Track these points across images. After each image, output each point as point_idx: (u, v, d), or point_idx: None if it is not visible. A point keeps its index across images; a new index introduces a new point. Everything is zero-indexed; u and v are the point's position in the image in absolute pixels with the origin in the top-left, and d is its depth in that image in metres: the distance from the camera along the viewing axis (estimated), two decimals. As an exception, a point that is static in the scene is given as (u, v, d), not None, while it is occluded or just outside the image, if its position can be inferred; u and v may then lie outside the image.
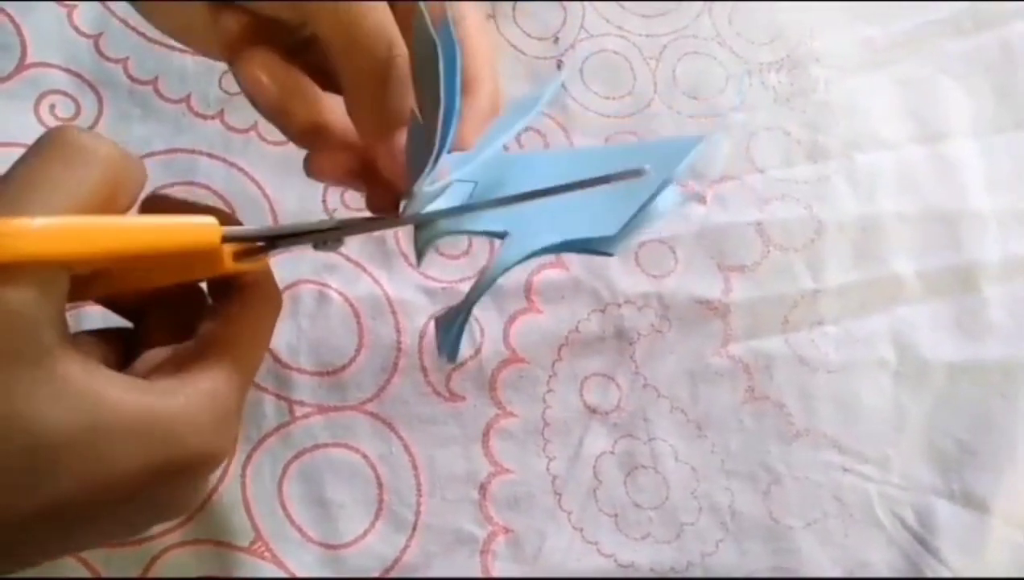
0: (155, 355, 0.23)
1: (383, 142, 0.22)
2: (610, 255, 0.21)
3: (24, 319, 0.18)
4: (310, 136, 0.24)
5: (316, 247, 0.22)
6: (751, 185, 0.36)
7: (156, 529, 0.29)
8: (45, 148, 0.19)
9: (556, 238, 0.21)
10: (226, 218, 0.22)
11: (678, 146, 0.22)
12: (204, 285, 0.25)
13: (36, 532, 0.19)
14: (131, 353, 0.23)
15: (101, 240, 0.19)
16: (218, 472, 0.28)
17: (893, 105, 0.38)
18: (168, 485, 0.20)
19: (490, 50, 0.25)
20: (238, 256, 0.22)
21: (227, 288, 0.24)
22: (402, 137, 0.22)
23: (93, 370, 0.19)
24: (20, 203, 0.18)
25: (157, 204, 0.23)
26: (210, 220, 0.21)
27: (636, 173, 0.19)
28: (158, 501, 0.21)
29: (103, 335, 0.23)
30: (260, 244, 0.22)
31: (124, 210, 0.20)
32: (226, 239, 0.21)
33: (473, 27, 0.25)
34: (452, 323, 0.23)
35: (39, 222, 0.18)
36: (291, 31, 0.24)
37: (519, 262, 0.22)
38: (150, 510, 0.21)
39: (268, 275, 0.24)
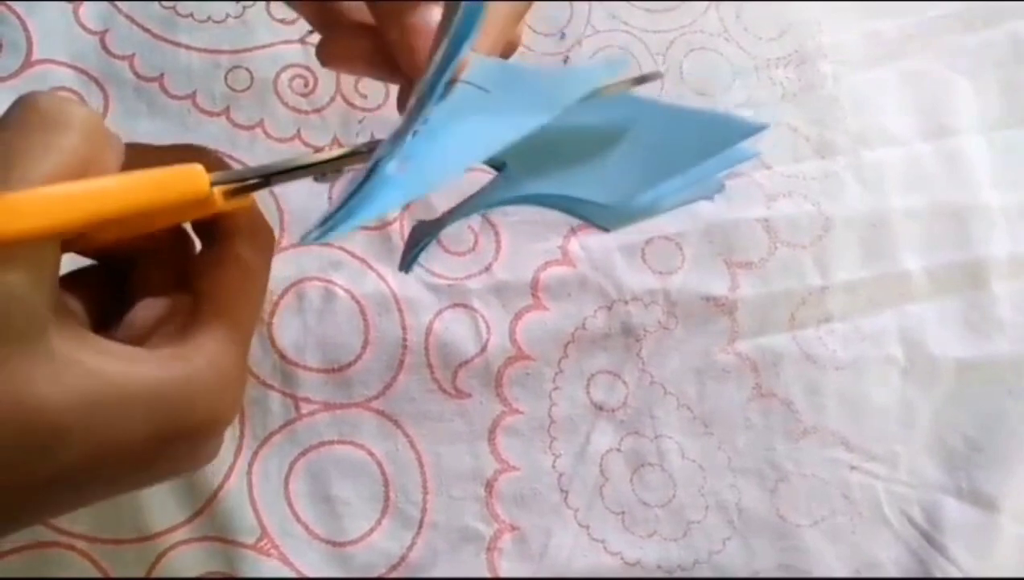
0: (149, 309, 0.22)
1: (395, 24, 0.21)
2: (606, 230, 0.20)
3: (18, 299, 0.17)
4: (323, 17, 0.23)
5: (316, 179, 0.22)
6: (758, 181, 0.36)
7: (162, 526, 0.29)
8: (19, 117, 0.19)
9: (555, 189, 0.20)
10: (214, 162, 0.21)
11: (736, 127, 0.20)
12: (191, 230, 0.24)
13: (46, 496, 0.19)
14: (121, 302, 0.22)
15: (89, 205, 0.18)
16: (228, 432, 0.27)
17: (901, 101, 0.38)
18: (177, 450, 0.20)
19: None
20: (230, 194, 0.21)
21: (216, 231, 0.23)
22: (414, 18, 0.21)
23: (91, 344, 0.19)
24: (1, 177, 0.17)
25: (140, 156, 0.22)
26: (197, 168, 0.20)
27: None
28: (167, 464, 0.21)
29: (86, 284, 0.23)
30: (254, 181, 0.21)
31: (105, 173, 0.20)
32: (215, 184, 0.20)
33: None
34: (419, 239, 0.22)
35: (25, 195, 0.17)
36: None
37: (508, 203, 0.20)
38: (160, 470, 0.21)
39: (256, 214, 0.24)
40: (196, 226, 0.24)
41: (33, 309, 0.18)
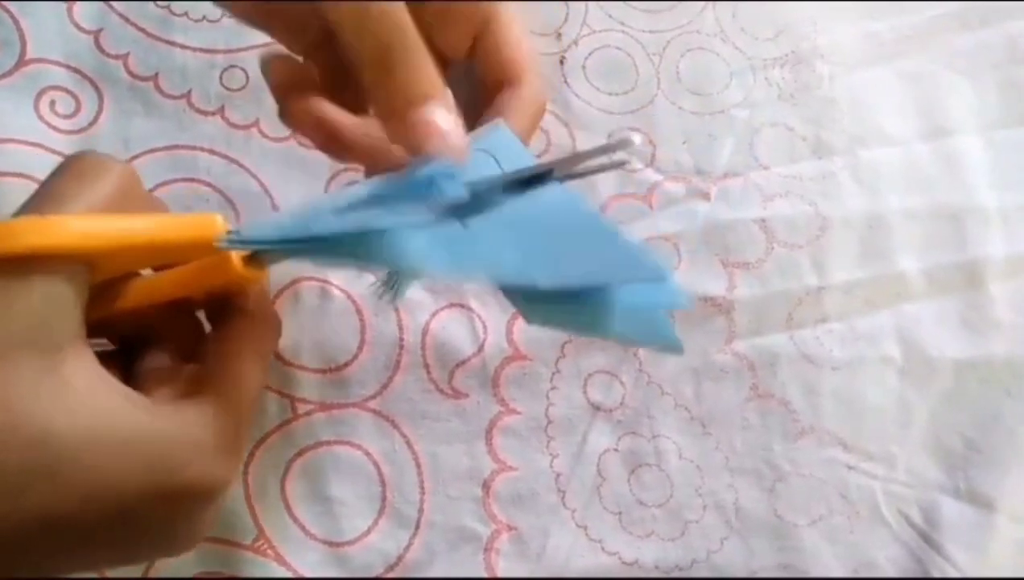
0: (156, 361, 0.23)
1: (395, 123, 0.22)
2: (527, 321, 0.22)
3: (45, 309, 0.18)
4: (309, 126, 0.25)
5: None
6: (755, 182, 0.36)
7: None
8: (67, 166, 0.22)
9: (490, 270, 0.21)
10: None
11: (642, 265, 0.20)
12: (204, 318, 0.26)
13: (28, 541, 0.18)
14: (129, 377, 0.23)
15: (114, 232, 0.21)
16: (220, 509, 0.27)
17: (898, 101, 0.38)
18: (165, 511, 0.20)
19: (527, 44, 0.26)
20: (248, 261, 0.23)
21: (226, 313, 0.24)
22: (415, 117, 0.22)
23: (100, 376, 0.19)
24: (48, 211, 0.20)
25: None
26: (215, 216, 0.22)
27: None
28: (155, 528, 0.21)
29: (104, 356, 0.24)
30: (271, 248, 0.22)
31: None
32: (233, 242, 0.22)
33: (508, 23, 0.26)
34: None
35: (60, 218, 0.20)
36: (305, 29, 0.25)
37: (448, 275, 0.23)
38: (147, 537, 0.21)
39: (264, 298, 0.25)
40: (208, 310, 0.26)
41: (54, 320, 0.18)
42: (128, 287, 0.23)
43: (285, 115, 0.26)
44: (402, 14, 0.22)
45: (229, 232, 0.22)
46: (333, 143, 0.25)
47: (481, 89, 0.27)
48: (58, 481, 0.18)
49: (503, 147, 0.24)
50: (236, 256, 0.23)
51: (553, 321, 0.22)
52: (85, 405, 0.18)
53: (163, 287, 0.24)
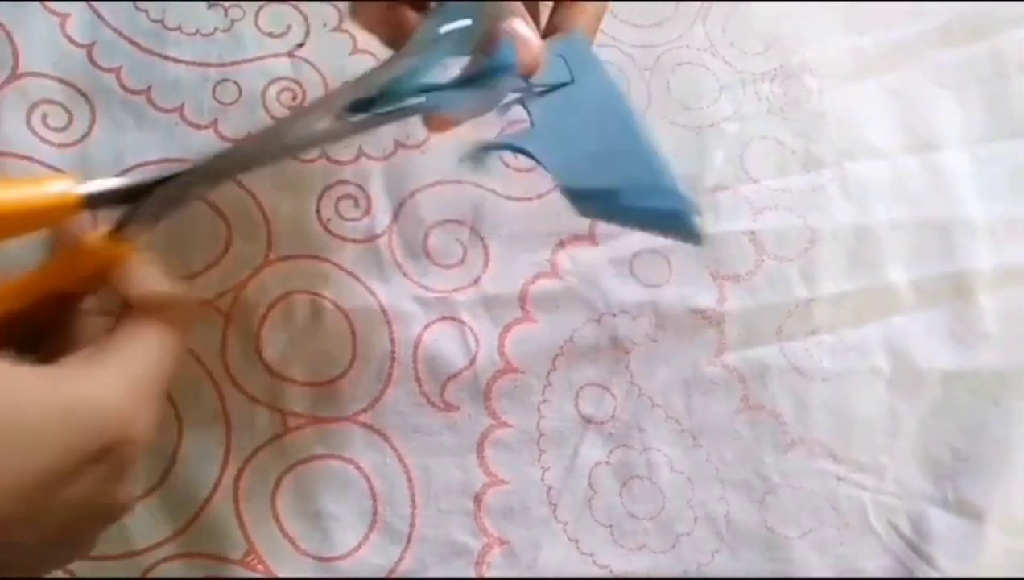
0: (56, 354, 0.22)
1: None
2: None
3: None
4: None
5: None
6: (745, 195, 0.36)
7: (147, 542, 0.29)
8: None
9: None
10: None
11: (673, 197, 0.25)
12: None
13: None
14: None
15: None
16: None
17: (885, 115, 0.38)
18: (92, 475, 0.20)
19: None
20: (108, 239, 0.22)
21: (122, 304, 0.23)
22: (497, 27, 0.25)
23: None
24: None
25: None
26: (64, 176, 0.21)
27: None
28: (85, 498, 0.20)
29: None
30: (128, 208, 0.22)
31: None
32: (87, 202, 0.21)
33: None
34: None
35: None
36: None
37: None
38: (81, 510, 0.21)
39: (149, 270, 0.24)
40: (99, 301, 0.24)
41: None
42: None
43: (355, 14, 0.28)
44: None
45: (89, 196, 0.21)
46: (399, 38, 0.26)
47: None
48: None
49: (574, 52, 0.28)
50: (96, 235, 0.22)
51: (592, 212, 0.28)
52: None
53: (28, 286, 0.23)
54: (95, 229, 0.23)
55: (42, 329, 0.24)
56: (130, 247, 0.23)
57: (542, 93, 0.27)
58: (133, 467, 0.22)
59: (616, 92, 0.28)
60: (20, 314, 0.23)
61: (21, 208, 0.20)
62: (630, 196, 0.24)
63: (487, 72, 0.25)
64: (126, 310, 0.23)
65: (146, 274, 0.24)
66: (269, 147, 0.24)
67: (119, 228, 0.22)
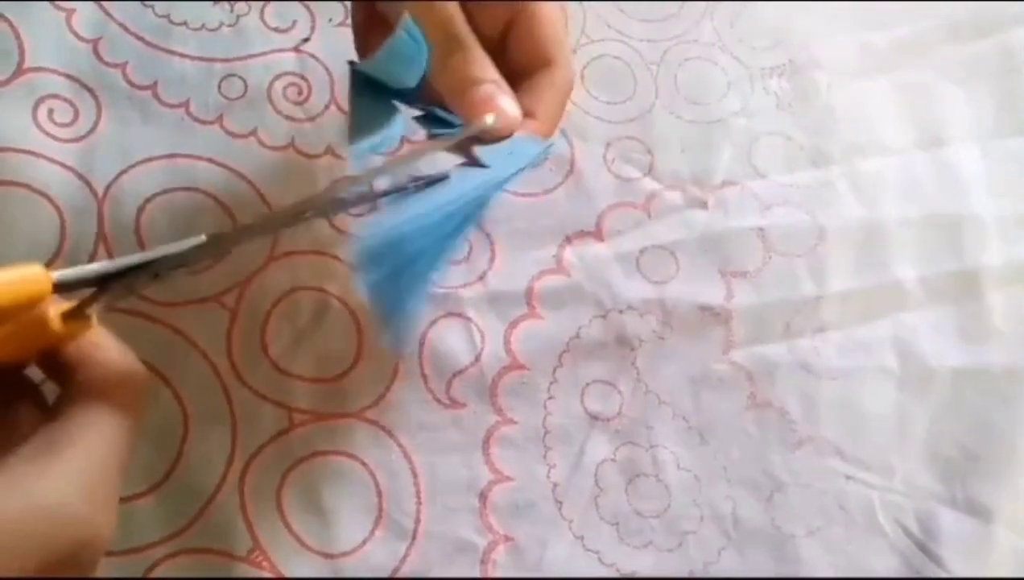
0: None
1: (456, 98, 0.26)
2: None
3: None
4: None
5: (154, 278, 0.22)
6: (753, 191, 0.36)
7: (152, 539, 0.29)
8: None
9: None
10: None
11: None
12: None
13: None
14: None
15: None
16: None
17: (894, 110, 0.38)
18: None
19: (563, 30, 0.29)
20: (67, 317, 0.21)
21: (65, 370, 0.22)
22: (476, 94, 0.25)
23: None
24: None
25: None
26: (33, 267, 0.20)
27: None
28: None
29: None
30: (88, 293, 0.21)
31: None
32: (57, 289, 0.20)
33: (542, 5, 0.28)
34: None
35: None
36: None
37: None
38: None
39: (107, 348, 0.22)
40: (47, 368, 0.23)
41: None
42: None
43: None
44: (447, 10, 0.25)
45: (58, 282, 0.20)
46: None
47: (513, 68, 0.28)
48: None
49: (520, 141, 0.27)
50: (54, 313, 0.21)
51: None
52: None
53: None
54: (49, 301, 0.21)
55: None
56: (88, 324, 0.22)
57: (421, 186, 0.26)
58: (94, 569, 0.20)
59: (480, 204, 0.26)
60: None
61: None
62: (391, 287, 0.24)
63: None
64: (76, 387, 0.21)
65: (101, 349, 0.22)
66: (241, 236, 0.23)
67: (81, 308, 0.21)
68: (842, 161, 0.37)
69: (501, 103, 0.25)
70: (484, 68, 0.26)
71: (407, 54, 0.26)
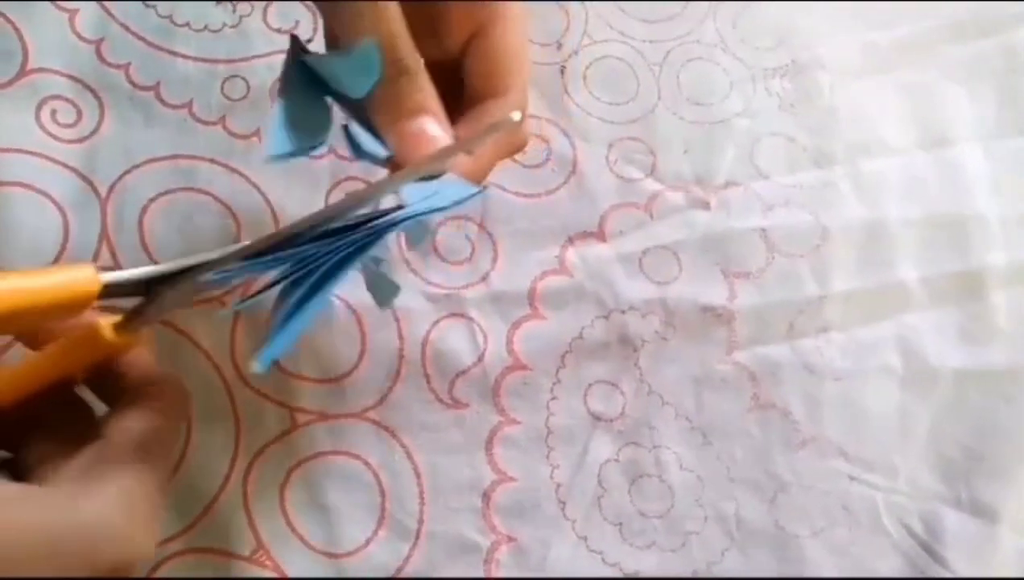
0: (48, 466, 0.21)
1: (388, 131, 0.24)
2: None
3: None
4: None
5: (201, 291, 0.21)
6: (756, 191, 0.36)
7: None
8: None
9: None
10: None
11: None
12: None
13: None
14: (19, 474, 0.21)
15: None
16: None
17: (898, 110, 0.38)
18: None
19: (523, 58, 0.27)
20: (119, 327, 0.21)
21: (114, 386, 0.23)
22: (407, 127, 0.24)
23: None
24: None
25: None
26: (85, 267, 0.20)
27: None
28: None
29: None
30: (135, 303, 0.21)
31: None
32: (105, 291, 0.20)
33: (506, 30, 0.26)
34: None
35: None
36: None
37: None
38: None
39: (163, 373, 0.23)
40: (95, 386, 0.24)
41: None
42: None
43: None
44: (393, 32, 0.23)
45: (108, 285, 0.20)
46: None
47: (468, 88, 0.27)
48: None
49: (447, 183, 0.25)
50: (106, 324, 0.21)
51: None
52: None
53: (31, 374, 0.22)
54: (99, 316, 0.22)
55: (37, 419, 0.22)
56: (136, 338, 0.22)
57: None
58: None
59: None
60: (17, 404, 0.22)
61: (44, 299, 0.19)
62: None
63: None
64: (125, 404, 0.22)
65: (148, 364, 0.23)
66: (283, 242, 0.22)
67: (129, 320, 0.21)
68: (845, 161, 0.37)
69: (430, 142, 0.23)
70: (424, 98, 0.24)
71: (362, 68, 0.24)
